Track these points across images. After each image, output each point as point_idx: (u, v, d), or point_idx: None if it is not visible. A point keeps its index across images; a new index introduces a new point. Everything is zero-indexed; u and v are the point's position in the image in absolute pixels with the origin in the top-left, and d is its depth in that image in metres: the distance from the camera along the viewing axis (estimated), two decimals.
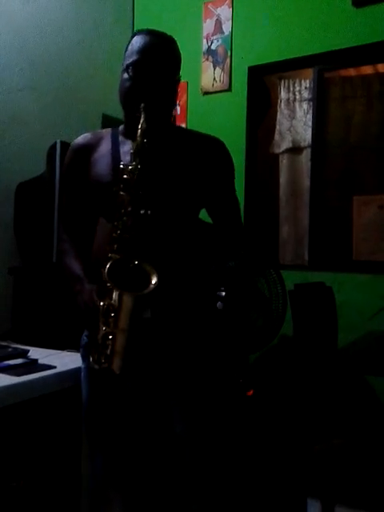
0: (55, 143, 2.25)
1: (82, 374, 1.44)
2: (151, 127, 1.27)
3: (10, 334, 2.21)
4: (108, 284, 1.16)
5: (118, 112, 3.15)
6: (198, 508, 1.38)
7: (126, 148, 1.33)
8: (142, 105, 1.27)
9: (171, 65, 1.34)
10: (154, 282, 1.15)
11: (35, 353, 1.79)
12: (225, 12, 2.93)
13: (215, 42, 2.96)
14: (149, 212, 1.26)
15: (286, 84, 3.13)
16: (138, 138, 1.24)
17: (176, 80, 1.38)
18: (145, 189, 1.24)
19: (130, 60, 1.31)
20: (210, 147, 1.42)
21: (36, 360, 1.70)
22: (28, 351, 1.78)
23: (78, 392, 1.50)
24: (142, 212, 1.25)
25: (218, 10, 2.95)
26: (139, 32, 1.35)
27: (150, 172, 1.28)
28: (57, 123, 2.67)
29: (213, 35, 2.96)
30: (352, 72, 2.89)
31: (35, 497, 1.63)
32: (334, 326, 2.39)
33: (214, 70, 2.96)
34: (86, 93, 2.91)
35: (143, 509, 1.49)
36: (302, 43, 2.72)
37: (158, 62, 1.30)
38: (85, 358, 1.43)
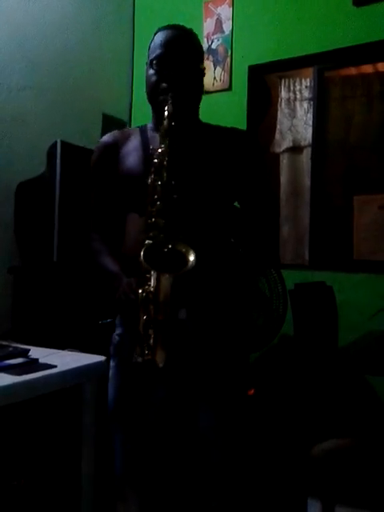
0: (55, 143, 2.25)
1: (111, 371, 1.43)
2: (178, 111, 1.27)
3: (11, 334, 2.21)
4: (146, 274, 1.14)
5: (117, 112, 3.18)
6: (217, 506, 1.39)
7: (156, 143, 1.32)
8: (169, 94, 1.29)
9: (194, 55, 1.36)
10: (191, 259, 1.11)
11: (35, 352, 1.79)
12: (225, 11, 2.93)
13: (215, 41, 2.96)
14: (175, 196, 1.23)
15: (287, 83, 3.13)
16: (165, 121, 1.25)
17: (200, 70, 1.40)
18: (176, 172, 1.23)
19: (154, 55, 1.34)
20: (239, 138, 1.42)
21: (36, 359, 1.70)
22: (28, 350, 1.78)
23: (79, 392, 1.50)
24: (174, 196, 1.23)
25: (219, 10, 2.95)
26: (161, 28, 1.38)
27: (180, 155, 1.27)
28: (57, 123, 2.67)
29: (213, 34, 2.96)
30: (352, 71, 2.89)
31: (36, 496, 1.63)
32: (334, 325, 2.39)
33: (215, 69, 2.96)
34: (86, 92, 2.91)
35: (159, 508, 1.49)
36: (303, 42, 2.72)
37: (181, 52, 1.32)
38: (115, 356, 1.42)
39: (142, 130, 1.44)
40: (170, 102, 1.27)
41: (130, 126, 3.28)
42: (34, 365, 1.65)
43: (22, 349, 1.79)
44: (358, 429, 2.43)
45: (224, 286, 1.38)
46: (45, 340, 2.01)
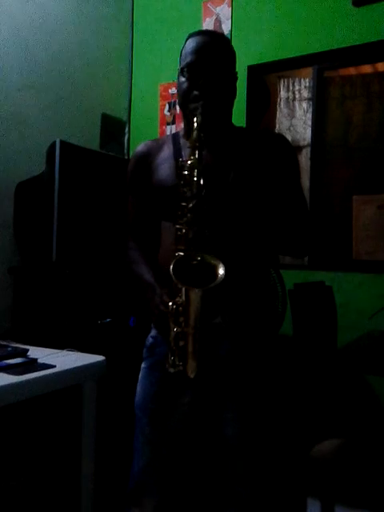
0: (55, 142, 2.25)
1: (142, 372, 1.44)
2: (206, 121, 1.26)
3: (10, 333, 2.21)
4: (178, 285, 1.15)
5: (117, 112, 3.18)
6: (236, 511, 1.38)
7: (189, 150, 1.32)
8: (201, 102, 1.28)
9: (226, 61, 1.34)
10: (221, 273, 1.12)
11: (35, 352, 1.79)
12: (224, 11, 2.93)
13: None
14: (211, 208, 1.24)
15: (286, 83, 3.13)
16: (194, 132, 1.24)
17: (233, 76, 1.38)
18: (206, 184, 1.22)
19: (185, 62, 1.32)
20: (274, 142, 1.39)
21: (35, 359, 1.70)
22: (27, 350, 1.78)
23: (78, 392, 1.50)
24: (204, 208, 1.22)
25: (218, 9, 2.95)
26: (192, 34, 1.36)
27: (210, 166, 1.26)
28: (56, 123, 2.67)
29: None
30: (352, 71, 2.89)
31: (35, 496, 1.63)
32: (333, 325, 2.39)
33: None
34: (85, 92, 2.91)
35: None
36: (302, 42, 2.71)
37: (213, 60, 1.31)
38: (147, 358, 1.43)
39: (175, 137, 1.43)
40: (199, 111, 1.26)
41: (129, 125, 3.28)
42: (32, 365, 1.65)
43: (21, 349, 1.79)
44: (358, 429, 2.43)
45: (256, 293, 1.38)
46: (44, 340, 2.01)
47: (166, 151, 1.41)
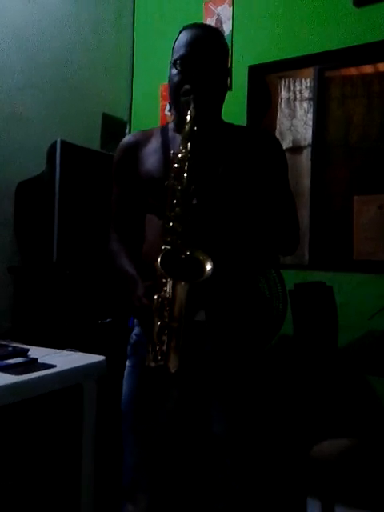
0: (55, 142, 2.25)
1: (126, 370, 1.43)
2: (200, 114, 1.25)
3: (10, 333, 2.21)
4: (163, 279, 1.14)
5: (117, 111, 3.18)
6: (224, 507, 1.38)
7: (177, 143, 1.30)
8: (192, 96, 1.27)
9: (218, 55, 1.33)
10: (208, 268, 1.12)
11: (35, 352, 1.79)
12: (225, 11, 2.93)
13: None
14: (200, 202, 1.23)
15: (287, 83, 3.13)
16: (187, 125, 1.23)
17: (225, 70, 1.37)
18: (196, 177, 1.22)
19: (178, 54, 1.31)
20: (263, 140, 1.39)
21: (36, 359, 1.70)
22: (28, 350, 1.78)
23: (79, 391, 1.50)
24: (194, 202, 1.22)
25: (219, 9, 2.95)
26: (185, 27, 1.35)
27: (201, 160, 1.25)
28: (57, 122, 2.67)
29: None
30: (353, 71, 2.89)
31: (35, 496, 1.63)
32: (334, 325, 2.39)
33: None
34: (86, 92, 2.91)
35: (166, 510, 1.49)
36: (303, 42, 2.71)
37: (205, 53, 1.30)
38: (131, 356, 1.42)
39: (164, 130, 1.42)
40: (192, 105, 1.25)
41: (130, 125, 3.28)
42: (33, 364, 1.66)
43: (21, 348, 1.79)
44: (358, 429, 2.43)
45: (241, 289, 1.37)
46: (44, 340, 2.01)
47: (154, 143, 1.39)
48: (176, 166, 1.21)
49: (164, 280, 1.14)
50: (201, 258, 1.14)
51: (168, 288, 1.14)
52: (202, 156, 1.27)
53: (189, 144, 1.22)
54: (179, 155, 1.22)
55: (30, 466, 1.61)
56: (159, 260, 1.13)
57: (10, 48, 2.46)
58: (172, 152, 1.25)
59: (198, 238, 1.20)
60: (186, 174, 1.20)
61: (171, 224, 1.19)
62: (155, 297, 1.15)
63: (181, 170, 1.21)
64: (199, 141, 1.24)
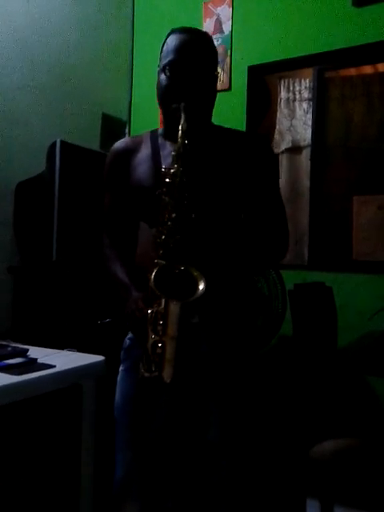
0: (55, 142, 2.25)
1: (119, 375, 1.42)
2: (192, 127, 1.24)
3: (10, 333, 2.21)
4: (156, 292, 1.13)
5: (117, 112, 3.18)
6: (222, 510, 1.37)
7: (167, 151, 1.30)
8: (183, 104, 1.25)
9: (208, 61, 1.31)
10: (201, 287, 1.11)
11: (34, 352, 1.79)
12: (225, 11, 2.93)
13: (215, 41, 2.95)
14: (193, 216, 1.21)
15: (286, 83, 3.13)
16: (179, 140, 1.21)
17: (214, 76, 1.35)
18: (188, 192, 1.20)
19: (167, 60, 1.29)
20: (254, 144, 1.38)
21: (35, 359, 1.70)
22: (27, 350, 1.78)
23: (78, 392, 1.50)
24: (186, 216, 1.20)
25: (218, 10, 2.95)
26: (174, 31, 1.33)
27: (193, 175, 1.23)
28: (57, 122, 2.67)
29: (213, 35, 2.95)
30: (352, 72, 2.89)
31: (34, 496, 1.63)
32: (333, 325, 2.39)
33: None
34: (85, 92, 2.91)
35: None
36: (302, 43, 2.72)
37: (195, 59, 1.28)
38: (124, 361, 1.41)
39: (153, 137, 1.40)
40: (183, 116, 1.23)
41: (129, 125, 3.28)
42: (32, 365, 1.65)
43: (20, 348, 1.79)
44: (358, 429, 2.43)
45: (235, 293, 1.37)
46: (44, 340, 2.01)
47: (144, 151, 1.38)
48: (168, 180, 1.20)
49: (158, 293, 1.14)
50: (194, 274, 1.14)
51: (162, 303, 1.13)
52: (194, 169, 1.25)
53: (180, 160, 1.20)
54: (171, 170, 1.20)
55: (29, 465, 1.61)
56: (153, 277, 1.12)
57: (10, 48, 2.46)
58: (164, 168, 1.23)
59: (192, 251, 1.19)
60: (178, 189, 1.19)
61: (163, 237, 1.18)
62: (149, 311, 1.15)
63: (173, 185, 1.19)
64: (190, 155, 1.23)
